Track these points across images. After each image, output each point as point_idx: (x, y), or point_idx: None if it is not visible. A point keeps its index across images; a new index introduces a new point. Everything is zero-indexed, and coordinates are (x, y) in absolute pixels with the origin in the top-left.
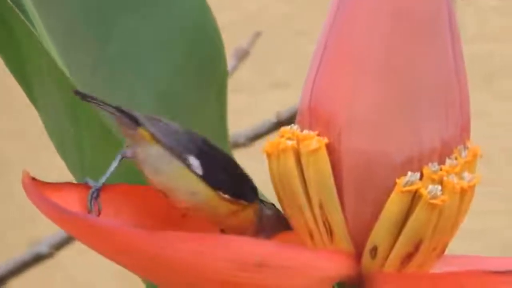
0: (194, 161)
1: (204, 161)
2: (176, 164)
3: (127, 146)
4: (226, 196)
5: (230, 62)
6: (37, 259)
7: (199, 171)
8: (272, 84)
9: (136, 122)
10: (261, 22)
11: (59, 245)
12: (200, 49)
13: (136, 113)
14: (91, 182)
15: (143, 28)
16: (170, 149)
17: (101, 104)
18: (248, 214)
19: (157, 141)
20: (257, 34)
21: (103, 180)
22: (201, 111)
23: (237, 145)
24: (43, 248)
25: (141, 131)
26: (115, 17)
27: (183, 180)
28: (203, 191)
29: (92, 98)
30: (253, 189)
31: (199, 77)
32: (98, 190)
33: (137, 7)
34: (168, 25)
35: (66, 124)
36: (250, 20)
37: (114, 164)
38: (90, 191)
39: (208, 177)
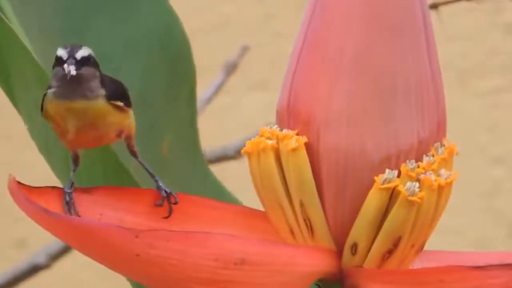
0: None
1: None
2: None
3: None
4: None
5: (219, 75)
6: (35, 269)
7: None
8: (251, 85)
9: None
10: (237, 25)
11: (56, 255)
12: (169, 50)
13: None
14: (65, 188)
15: (114, 29)
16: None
17: None
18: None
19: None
20: (245, 48)
21: (70, 183)
22: (174, 110)
23: (227, 157)
24: (41, 259)
25: None
26: (87, 19)
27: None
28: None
29: None
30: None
31: (170, 77)
32: (71, 193)
33: (106, 8)
34: (136, 26)
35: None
36: (226, 22)
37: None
38: (65, 195)
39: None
